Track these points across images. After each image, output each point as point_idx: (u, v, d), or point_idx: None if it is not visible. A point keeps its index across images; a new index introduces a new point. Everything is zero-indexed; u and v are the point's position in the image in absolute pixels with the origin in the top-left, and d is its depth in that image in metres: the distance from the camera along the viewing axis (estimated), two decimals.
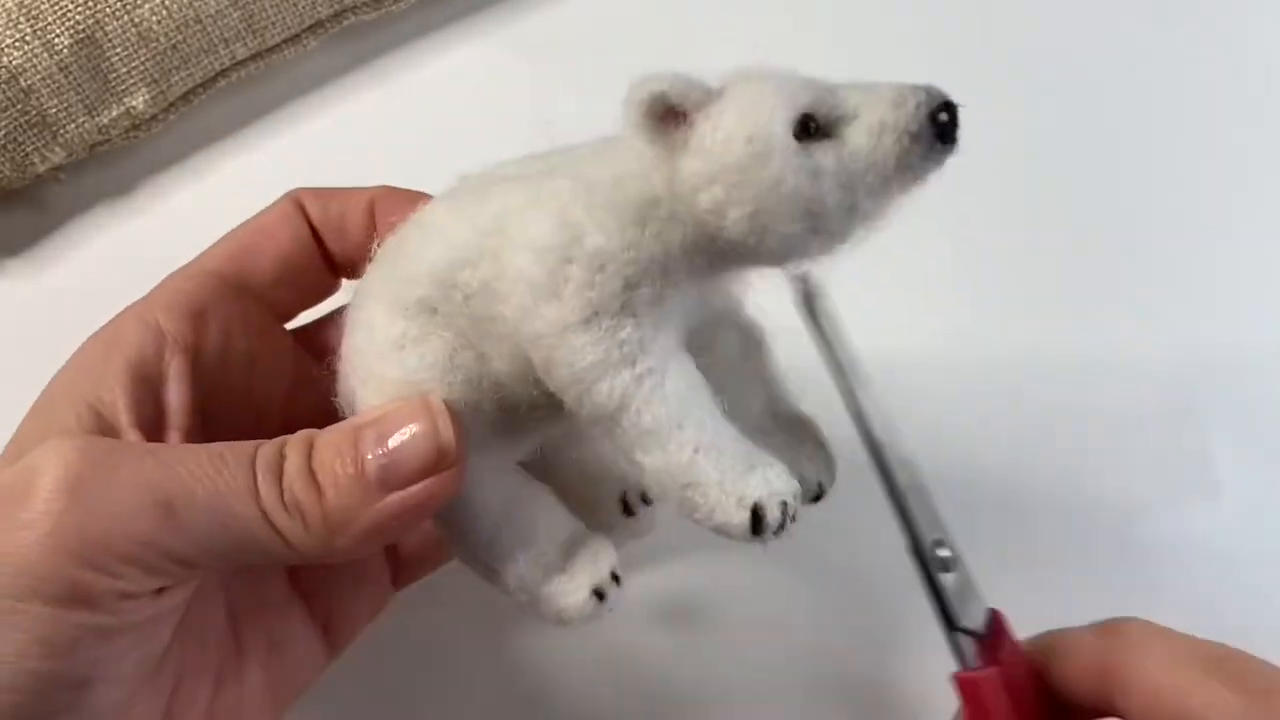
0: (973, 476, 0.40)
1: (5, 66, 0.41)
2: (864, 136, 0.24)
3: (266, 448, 0.27)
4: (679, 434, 0.24)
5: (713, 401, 0.25)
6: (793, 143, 0.23)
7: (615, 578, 0.28)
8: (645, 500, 0.31)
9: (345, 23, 0.47)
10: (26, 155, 0.42)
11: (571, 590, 0.28)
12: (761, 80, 0.24)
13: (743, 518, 0.24)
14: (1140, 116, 0.48)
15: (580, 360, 0.24)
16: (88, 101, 0.43)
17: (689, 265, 0.25)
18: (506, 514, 0.28)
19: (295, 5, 0.45)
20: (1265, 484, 0.40)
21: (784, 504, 0.24)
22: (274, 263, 0.34)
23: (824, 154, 0.23)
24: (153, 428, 0.29)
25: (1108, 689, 0.27)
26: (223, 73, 0.45)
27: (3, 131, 0.41)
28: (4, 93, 0.41)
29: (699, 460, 0.24)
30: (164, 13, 0.42)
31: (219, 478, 0.26)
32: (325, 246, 0.34)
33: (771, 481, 0.24)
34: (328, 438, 0.27)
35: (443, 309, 0.27)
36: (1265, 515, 0.41)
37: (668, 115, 0.24)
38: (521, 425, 0.28)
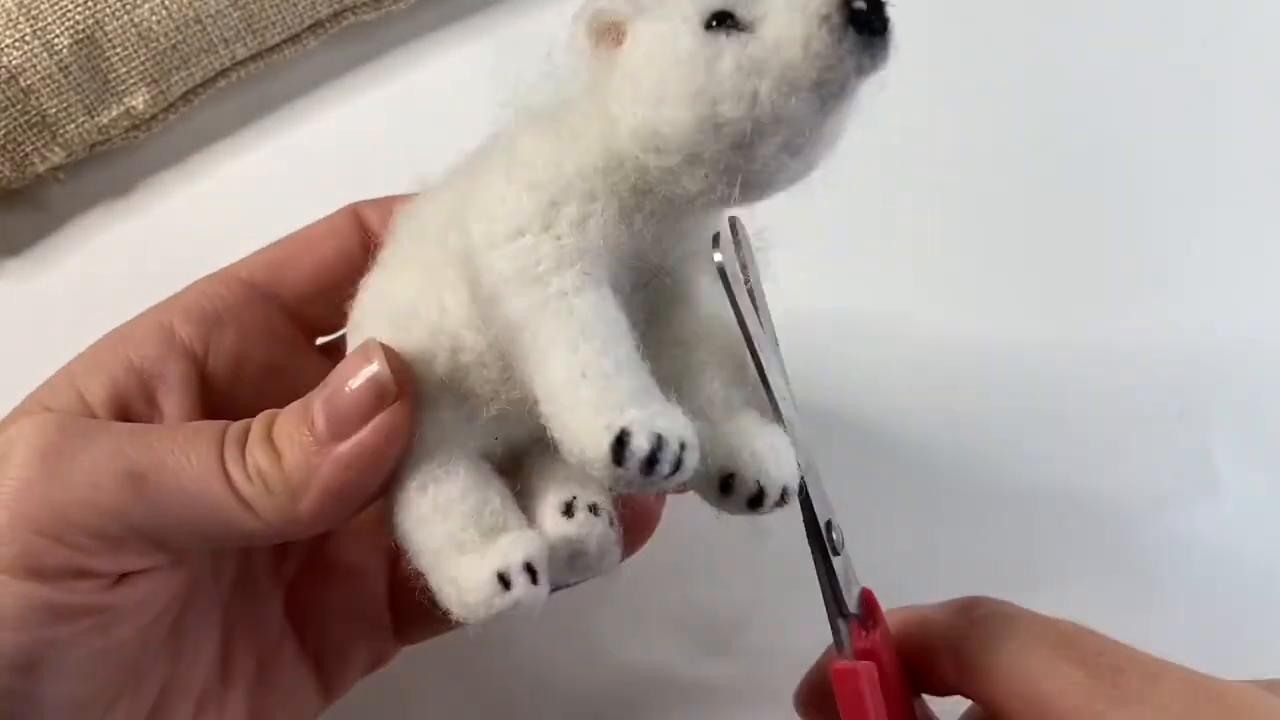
0: (968, 464, 0.40)
1: (5, 66, 0.41)
2: (771, 26, 0.22)
3: (235, 425, 0.27)
4: (570, 356, 0.23)
5: (627, 338, 0.24)
6: (700, 31, 0.23)
7: (531, 570, 0.25)
8: (592, 510, 0.27)
9: (345, 23, 0.47)
10: (26, 155, 0.42)
11: (476, 569, 0.25)
12: None
13: (604, 442, 0.22)
14: (1140, 98, 0.48)
15: (499, 274, 0.24)
16: (87, 101, 0.43)
17: (619, 192, 0.25)
18: (448, 493, 0.26)
19: (295, 5, 0.45)
20: (1266, 484, 0.40)
21: (659, 437, 0.22)
22: (312, 273, 0.32)
23: (732, 43, 0.22)
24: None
25: (964, 675, 0.27)
26: (223, 73, 0.45)
27: (2, 131, 0.41)
28: (4, 93, 0.41)
29: (583, 383, 0.23)
30: (164, 13, 0.42)
31: (190, 452, 0.26)
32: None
33: (655, 417, 0.23)
34: (288, 408, 0.27)
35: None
36: (1265, 515, 0.41)
37: (610, 33, 0.24)
38: (488, 405, 0.27)
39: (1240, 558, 0.39)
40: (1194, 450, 0.41)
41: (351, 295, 0.30)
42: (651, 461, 0.22)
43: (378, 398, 0.26)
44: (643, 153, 0.24)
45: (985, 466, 0.41)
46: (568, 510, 0.27)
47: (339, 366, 0.27)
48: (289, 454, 0.26)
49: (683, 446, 0.23)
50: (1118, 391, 0.43)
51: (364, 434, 0.26)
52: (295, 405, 0.27)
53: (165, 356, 0.30)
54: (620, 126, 0.24)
